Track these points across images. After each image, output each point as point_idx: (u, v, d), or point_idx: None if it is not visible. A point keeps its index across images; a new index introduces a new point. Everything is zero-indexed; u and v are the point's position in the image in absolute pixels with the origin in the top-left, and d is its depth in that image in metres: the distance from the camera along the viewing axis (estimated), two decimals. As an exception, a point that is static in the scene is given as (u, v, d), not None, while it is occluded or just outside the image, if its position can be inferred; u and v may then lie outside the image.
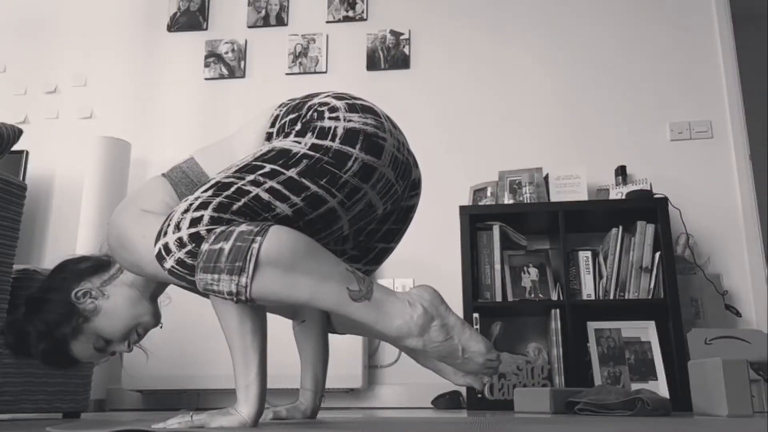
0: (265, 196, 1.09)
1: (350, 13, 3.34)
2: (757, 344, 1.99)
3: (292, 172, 1.11)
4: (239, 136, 1.29)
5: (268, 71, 3.33)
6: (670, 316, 2.43)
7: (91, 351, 1.32)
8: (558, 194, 2.78)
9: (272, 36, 3.38)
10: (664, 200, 2.57)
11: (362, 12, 3.33)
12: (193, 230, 1.03)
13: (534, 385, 2.51)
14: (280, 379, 2.54)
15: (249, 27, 3.40)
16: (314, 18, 3.37)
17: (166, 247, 1.04)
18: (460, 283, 2.80)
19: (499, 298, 2.61)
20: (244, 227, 1.03)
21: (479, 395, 2.50)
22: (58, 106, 3.41)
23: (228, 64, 3.35)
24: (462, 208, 2.68)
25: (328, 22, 3.35)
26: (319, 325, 1.55)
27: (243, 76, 3.33)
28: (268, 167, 1.11)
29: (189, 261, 1.02)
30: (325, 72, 3.28)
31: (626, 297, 2.54)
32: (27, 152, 3.08)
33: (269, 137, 1.25)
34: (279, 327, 2.44)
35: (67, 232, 3.22)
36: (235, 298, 1.03)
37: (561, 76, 3.13)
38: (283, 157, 1.13)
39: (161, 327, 1.40)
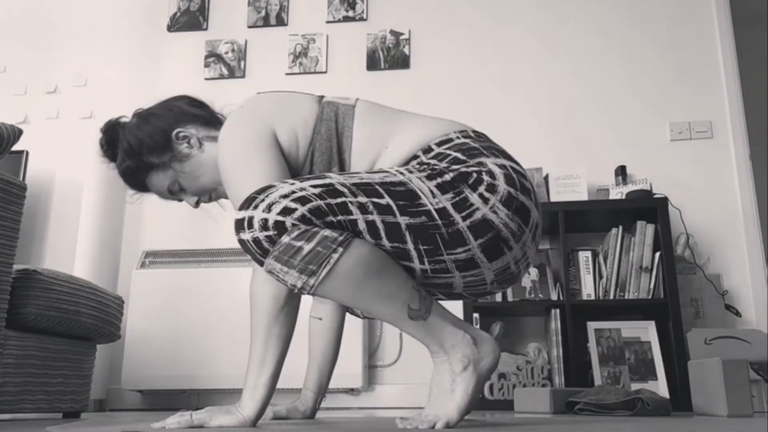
0: (362, 226, 1.02)
1: (350, 13, 3.34)
2: (757, 344, 1.99)
3: (402, 220, 1.03)
4: (406, 126, 1.22)
5: (268, 71, 3.33)
6: (670, 316, 2.43)
7: (165, 189, 1.36)
8: (558, 194, 2.78)
9: (272, 36, 3.38)
10: (664, 200, 2.57)
11: (362, 12, 3.33)
12: (280, 218, 1.00)
13: (534, 385, 2.51)
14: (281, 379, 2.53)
15: (249, 27, 3.40)
16: (314, 18, 3.37)
17: (250, 220, 1.02)
18: (460, 283, 2.79)
19: (499, 298, 2.61)
20: (328, 232, 1.00)
21: (479, 395, 2.50)
22: (58, 106, 3.41)
23: (228, 64, 3.35)
24: (462, 208, 2.67)
25: (328, 22, 3.35)
26: (335, 329, 1.56)
27: (243, 76, 3.33)
28: (385, 200, 1.04)
29: (265, 244, 1.01)
30: (325, 72, 3.28)
31: (626, 297, 2.54)
32: (27, 152, 3.07)
33: (427, 151, 1.16)
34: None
35: (67, 232, 3.21)
36: (295, 290, 1.03)
37: (561, 75, 3.13)
38: (407, 200, 1.04)
39: (217, 221, 1.43)
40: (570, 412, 1.93)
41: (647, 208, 2.59)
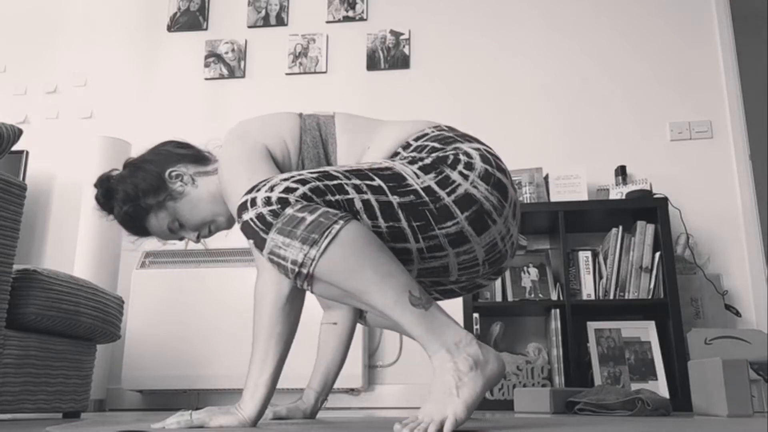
0: (359, 204, 1.07)
1: (350, 13, 3.34)
2: (757, 344, 1.99)
3: (394, 199, 1.08)
4: (384, 129, 1.31)
5: (268, 71, 3.33)
6: (670, 316, 2.43)
7: (164, 229, 1.42)
8: (558, 194, 2.78)
9: (272, 36, 3.38)
10: (664, 200, 2.57)
11: (362, 12, 3.33)
12: (283, 195, 1.04)
13: (534, 385, 2.51)
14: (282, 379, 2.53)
15: (249, 27, 3.40)
16: (314, 18, 3.37)
17: (253, 200, 1.05)
18: (460, 283, 2.79)
19: (499, 298, 2.61)
20: (330, 209, 1.03)
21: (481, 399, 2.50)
22: (58, 106, 3.41)
23: (228, 64, 3.35)
24: (462, 208, 2.67)
25: (328, 22, 3.35)
26: (348, 332, 1.59)
27: (243, 76, 3.33)
28: (377, 182, 1.10)
29: (269, 218, 1.02)
30: (325, 72, 3.28)
31: (626, 297, 2.54)
32: (27, 152, 3.08)
33: (406, 147, 1.23)
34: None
35: (67, 232, 3.22)
36: (296, 269, 1.00)
37: (561, 75, 3.13)
38: (395, 181, 1.10)
39: (226, 235, 1.58)
40: (570, 412, 1.93)
41: (647, 208, 2.59)
